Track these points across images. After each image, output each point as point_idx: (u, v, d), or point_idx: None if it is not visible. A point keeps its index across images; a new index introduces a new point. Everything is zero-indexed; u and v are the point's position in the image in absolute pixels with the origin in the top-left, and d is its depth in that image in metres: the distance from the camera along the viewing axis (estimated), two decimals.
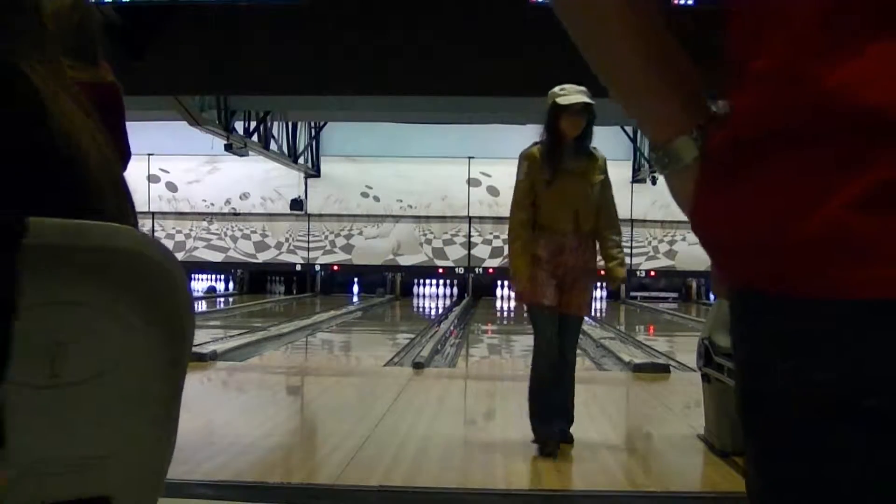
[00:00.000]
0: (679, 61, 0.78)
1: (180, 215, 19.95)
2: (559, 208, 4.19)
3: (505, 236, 19.93)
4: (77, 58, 2.40)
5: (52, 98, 1.21)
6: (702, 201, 0.74)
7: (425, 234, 19.76)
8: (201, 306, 16.94)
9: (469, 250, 19.68)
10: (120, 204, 1.27)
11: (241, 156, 15.00)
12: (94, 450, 1.17)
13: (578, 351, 10.06)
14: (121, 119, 3.15)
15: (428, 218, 19.72)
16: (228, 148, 13.68)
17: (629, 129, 18.22)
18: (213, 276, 20.44)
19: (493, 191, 19.60)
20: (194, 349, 7.85)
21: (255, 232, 19.96)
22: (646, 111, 0.81)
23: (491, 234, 19.65)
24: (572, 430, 4.46)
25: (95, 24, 2.86)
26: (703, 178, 0.75)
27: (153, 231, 19.84)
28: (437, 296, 19.75)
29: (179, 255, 19.89)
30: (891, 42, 0.58)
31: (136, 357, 1.19)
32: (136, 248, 1.17)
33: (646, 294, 19.37)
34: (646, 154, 17.98)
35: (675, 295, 19.09)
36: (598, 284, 19.79)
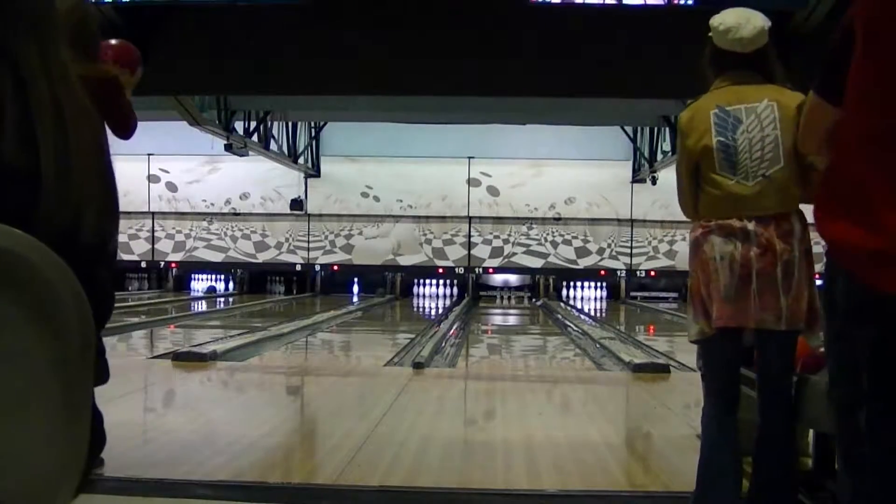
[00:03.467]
0: None
1: (180, 215, 19.95)
2: None
3: (505, 236, 19.54)
4: (76, 53, 2.41)
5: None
6: None
7: (425, 234, 19.76)
8: (201, 306, 16.95)
9: (469, 250, 19.68)
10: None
11: (241, 156, 15.01)
12: None
13: (578, 351, 10.16)
14: (115, 102, 3.26)
15: (428, 218, 19.72)
16: (228, 148, 13.68)
17: (629, 129, 18.24)
18: (213, 276, 20.44)
19: (493, 191, 19.61)
20: (194, 349, 7.86)
21: (255, 232, 19.96)
22: None
23: (491, 234, 19.66)
24: (572, 429, 4.47)
25: (95, 22, 2.88)
26: None
27: (153, 231, 19.86)
28: (437, 296, 19.76)
29: (179, 256, 19.94)
30: None
31: (9, 354, 1.15)
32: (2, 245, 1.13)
33: (646, 294, 19.38)
34: (646, 154, 17.99)
35: (675, 295, 19.08)
36: (599, 284, 19.87)
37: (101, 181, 1.33)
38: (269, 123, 16.09)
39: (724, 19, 2.83)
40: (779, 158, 2.75)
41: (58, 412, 1.20)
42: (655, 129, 16.90)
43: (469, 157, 19.36)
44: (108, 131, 3.09)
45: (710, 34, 2.88)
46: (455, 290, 19.76)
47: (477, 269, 19.68)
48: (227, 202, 19.91)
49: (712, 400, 2.91)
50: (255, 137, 15.08)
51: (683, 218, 3.06)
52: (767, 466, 2.85)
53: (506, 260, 19.71)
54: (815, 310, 2.77)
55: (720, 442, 2.86)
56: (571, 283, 19.93)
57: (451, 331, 11.94)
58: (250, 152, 15.04)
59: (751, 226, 2.74)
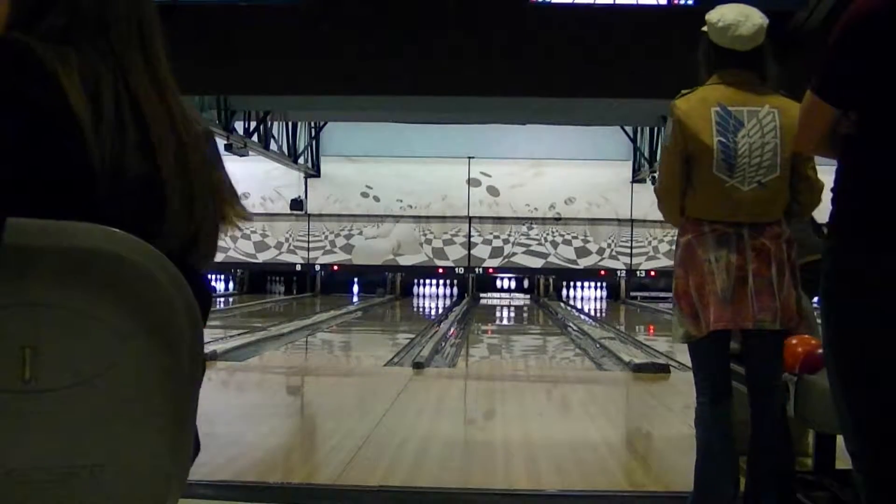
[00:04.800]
0: None
1: None
2: None
3: (505, 236, 19.47)
4: None
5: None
6: None
7: (425, 234, 19.76)
8: None
9: (469, 250, 19.68)
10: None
11: (241, 156, 14.98)
12: (79, 459, 1.13)
13: (578, 351, 10.16)
14: None
15: (428, 218, 19.72)
16: (228, 148, 13.67)
17: (629, 129, 18.23)
18: (213, 276, 20.43)
19: (493, 191, 19.60)
20: None
21: (255, 232, 19.95)
22: None
23: (491, 234, 19.66)
24: (572, 429, 4.45)
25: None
26: None
27: None
28: (437, 296, 19.75)
29: None
30: None
31: (123, 364, 1.15)
32: (118, 250, 1.13)
33: (646, 294, 19.37)
34: (646, 154, 17.98)
35: None
36: (599, 284, 19.86)
37: (214, 194, 1.33)
38: (269, 123, 16.08)
39: (723, 16, 2.77)
40: (775, 167, 2.75)
41: (168, 422, 1.21)
42: (655, 129, 16.90)
43: (469, 157, 19.35)
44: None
45: (704, 29, 2.83)
46: (455, 290, 19.76)
47: (477, 269, 19.68)
48: None
49: (705, 400, 2.90)
50: (255, 137, 15.08)
51: None
52: (763, 466, 2.85)
53: (506, 260, 19.71)
54: (801, 307, 2.83)
55: (715, 442, 2.86)
56: (571, 283, 19.92)
57: (451, 331, 11.94)
58: (250, 152, 15.02)
59: (745, 231, 2.75)
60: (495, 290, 19.95)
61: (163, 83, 1.29)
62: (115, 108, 1.21)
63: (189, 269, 1.23)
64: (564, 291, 19.76)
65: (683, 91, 2.85)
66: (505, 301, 19.41)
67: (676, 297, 2.86)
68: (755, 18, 2.78)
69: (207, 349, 7.67)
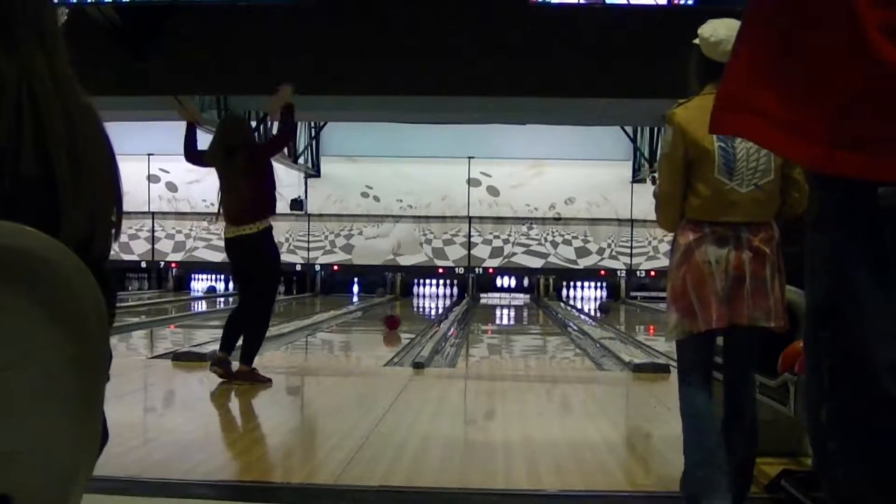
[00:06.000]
0: None
1: (180, 215, 19.94)
2: None
3: (505, 236, 19.39)
4: None
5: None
6: None
7: (425, 234, 19.77)
8: (201, 306, 16.94)
9: (469, 250, 19.69)
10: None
11: None
12: None
13: (578, 351, 10.15)
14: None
15: (428, 218, 19.73)
16: None
17: (629, 129, 18.24)
18: (213, 276, 20.44)
19: (493, 191, 19.61)
20: (194, 349, 7.86)
21: None
22: None
23: (491, 234, 19.66)
24: (572, 429, 4.43)
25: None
26: None
27: (153, 231, 19.84)
28: (437, 296, 19.76)
29: (179, 256, 19.92)
30: None
31: (33, 355, 1.18)
32: (28, 246, 1.16)
33: (646, 294, 19.37)
34: (646, 154, 17.99)
35: None
36: (599, 284, 19.87)
37: (112, 191, 1.35)
38: (269, 123, 16.06)
39: (716, 31, 2.88)
40: (770, 171, 2.88)
41: (75, 410, 1.24)
42: (655, 129, 16.91)
43: (469, 157, 19.36)
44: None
45: (695, 41, 2.93)
46: (455, 290, 19.76)
47: (477, 269, 19.69)
48: None
49: (692, 391, 2.98)
50: None
51: None
52: (738, 456, 2.96)
53: (506, 260, 19.71)
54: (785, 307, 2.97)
55: (706, 425, 2.94)
56: (571, 283, 19.93)
57: (451, 331, 11.94)
58: None
59: (743, 232, 2.87)
60: (495, 289, 19.97)
61: (62, 79, 1.30)
62: (15, 107, 1.22)
63: (92, 263, 1.24)
64: (564, 291, 19.77)
65: (680, 101, 2.99)
66: (505, 301, 19.41)
67: (673, 297, 2.94)
68: None
69: (207, 349, 7.69)
